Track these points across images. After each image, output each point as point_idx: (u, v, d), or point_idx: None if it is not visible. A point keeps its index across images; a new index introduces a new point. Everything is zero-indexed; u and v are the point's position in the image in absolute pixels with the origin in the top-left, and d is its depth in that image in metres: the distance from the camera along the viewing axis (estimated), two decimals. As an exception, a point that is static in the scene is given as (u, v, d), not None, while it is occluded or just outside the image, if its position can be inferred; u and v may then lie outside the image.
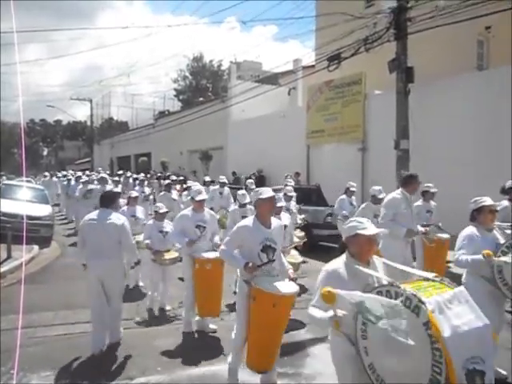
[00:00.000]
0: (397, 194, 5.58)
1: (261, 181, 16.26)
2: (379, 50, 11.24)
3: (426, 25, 10.23)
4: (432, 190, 7.45)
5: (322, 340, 4.95)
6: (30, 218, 10.28)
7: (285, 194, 7.93)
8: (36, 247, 10.10)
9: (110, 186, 11.61)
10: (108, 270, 4.62)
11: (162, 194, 10.59)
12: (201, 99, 30.03)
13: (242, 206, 7.07)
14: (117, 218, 4.77)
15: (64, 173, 23.71)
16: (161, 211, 6.32)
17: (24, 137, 57.98)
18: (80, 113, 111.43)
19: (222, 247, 3.83)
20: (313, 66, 16.89)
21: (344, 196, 9.29)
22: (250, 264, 3.61)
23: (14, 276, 7.80)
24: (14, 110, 70.80)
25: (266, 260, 3.68)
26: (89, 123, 40.65)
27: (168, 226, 6.21)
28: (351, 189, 9.36)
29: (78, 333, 5.18)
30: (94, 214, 4.80)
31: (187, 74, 44.17)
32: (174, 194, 10.42)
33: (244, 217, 6.39)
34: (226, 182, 11.08)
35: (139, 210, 7.46)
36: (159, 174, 18.85)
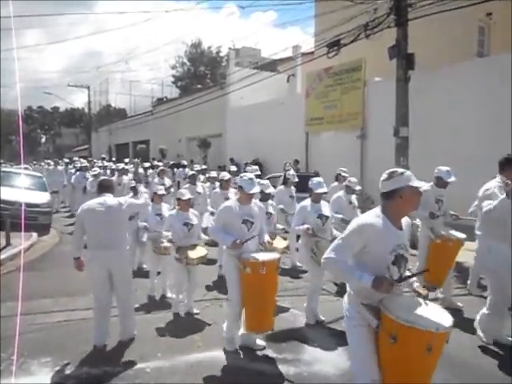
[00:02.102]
0: (497, 181, 4.57)
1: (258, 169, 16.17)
2: (379, 37, 11.12)
3: (427, 10, 10.10)
4: None
5: (321, 326, 4.99)
6: (28, 205, 10.26)
7: (347, 187, 6.94)
8: (35, 234, 10.11)
9: (127, 177, 10.96)
10: (115, 261, 4.43)
11: (186, 186, 9.23)
12: (199, 86, 29.86)
13: (265, 198, 6.07)
14: (119, 201, 4.57)
15: (66, 160, 21.74)
16: (184, 198, 5.48)
17: (22, 124, 57.72)
18: (78, 100, 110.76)
19: (331, 255, 2.63)
20: (312, 53, 16.75)
21: (341, 193, 7.95)
22: (382, 281, 2.49)
23: (13, 263, 7.81)
24: (12, 96, 70.21)
25: (398, 274, 2.61)
26: (86, 110, 40.42)
27: (194, 217, 5.51)
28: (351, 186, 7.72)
29: (77, 319, 5.20)
30: (95, 202, 4.51)
31: (185, 60, 43.82)
32: (200, 187, 9.33)
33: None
34: (259, 173, 9.76)
35: (165, 208, 6.52)
36: (172, 163, 17.34)
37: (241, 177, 4.47)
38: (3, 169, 15.70)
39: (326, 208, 5.31)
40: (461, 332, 4.70)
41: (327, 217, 5.21)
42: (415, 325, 2.29)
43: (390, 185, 2.65)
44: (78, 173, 13.89)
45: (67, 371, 3.96)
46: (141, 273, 7.13)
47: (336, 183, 8.53)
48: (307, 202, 5.25)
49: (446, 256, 5.57)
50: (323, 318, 5.16)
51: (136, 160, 16.65)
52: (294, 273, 7.53)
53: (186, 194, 5.56)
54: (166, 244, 5.53)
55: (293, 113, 17.50)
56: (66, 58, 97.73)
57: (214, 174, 10.36)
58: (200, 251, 5.24)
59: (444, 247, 5.50)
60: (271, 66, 23.59)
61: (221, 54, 42.95)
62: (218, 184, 9.29)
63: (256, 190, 4.36)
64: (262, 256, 4.14)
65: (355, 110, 15.01)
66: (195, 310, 5.50)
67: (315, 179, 5.39)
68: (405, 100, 11.07)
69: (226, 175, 7.93)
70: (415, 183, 2.62)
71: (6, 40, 14.99)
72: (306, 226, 4.99)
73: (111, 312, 4.62)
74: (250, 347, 4.40)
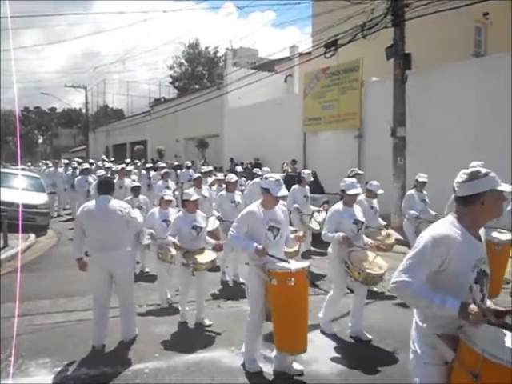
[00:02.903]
0: None
1: (258, 169, 16.20)
2: (376, 37, 11.16)
3: (424, 11, 10.15)
4: None
5: (318, 326, 4.99)
6: (25, 206, 10.24)
7: (368, 191, 6.45)
8: (32, 235, 10.10)
9: (129, 180, 10.34)
10: (116, 263, 4.41)
11: (191, 189, 8.45)
12: (197, 86, 29.88)
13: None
14: (120, 204, 4.55)
15: (66, 161, 19.67)
16: (192, 199, 5.08)
17: (18, 125, 57.67)
18: (75, 100, 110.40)
19: (403, 278, 2.11)
20: (309, 53, 16.77)
21: (413, 191, 7.28)
22: (473, 308, 1.98)
23: (10, 264, 7.80)
24: (9, 97, 70.04)
25: (480, 295, 2.19)
26: (84, 111, 40.40)
27: (202, 220, 5.16)
28: (420, 179, 7.22)
29: (75, 320, 5.20)
30: (93, 203, 4.47)
31: (183, 60, 43.87)
32: (205, 190, 8.64)
33: None
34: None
35: (172, 214, 6.00)
36: (176, 164, 16.61)
37: (266, 178, 3.99)
38: (1, 170, 15.64)
39: (359, 212, 4.81)
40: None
41: (362, 222, 4.74)
42: (506, 362, 1.79)
43: (471, 188, 2.19)
44: (80, 176, 13.03)
45: (66, 372, 3.95)
46: (143, 277, 7.06)
47: None
48: (339, 206, 4.75)
49: (495, 261, 5.08)
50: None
51: (139, 162, 16.30)
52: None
53: (193, 194, 5.19)
54: (173, 252, 5.25)
55: (290, 113, 17.52)
56: (64, 58, 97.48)
57: (221, 176, 9.63)
58: (208, 255, 4.92)
59: (490, 253, 5.07)
60: (269, 66, 23.63)
61: (218, 55, 43.04)
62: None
63: (284, 192, 3.90)
64: (289, 265, 3.72)
65: (353, 110, 15.03)
66: (207, 322, 5.09)
67: (348, 179, 4.87)
68: (402, 100, 11.13)
69: (232, 177, 7.47)
70: (502, 187, 2.18)
71: (3, 40, 14.95)
72: (341, 235, 4.49)
73: (110, 313, 4.62)
74: (285, 371, 3.90)
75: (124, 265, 4.53)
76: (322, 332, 4.83)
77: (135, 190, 7.54)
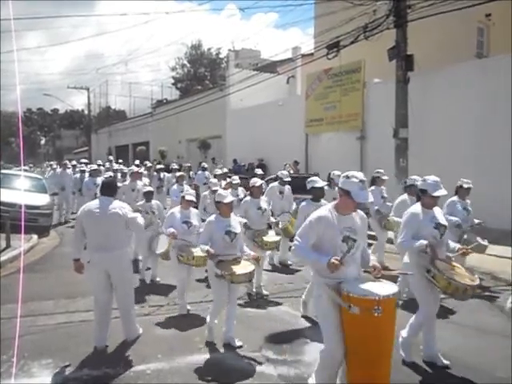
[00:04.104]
0: None
1: (262, 170, 16.25)
2: (379, 38, 11.15)
3: (426, 12, 10.14)
4: None
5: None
6: (28, 207, 10.26)
7: (412, 187, 5.96)
8: (35, 236, 10.12)
9: (141, 183, 9.68)
10: (115, 263, 4.40)
11: (205, 193, 8.34)
12: (199, 88, 29.90)
13: (316, 199, 5.34)
14: (120, 205, 4.53)
15: (74, 163, 17.87)
16: (226, 201, 4.47)
17: (21, 126, 57.84)
18: (78, 101, 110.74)
19: None
20: (312, 54, 16.77)
21: (455, 198, 6.39)
22: None
23: (13, 265, 7.81)
24: (12, 99, 70.28)
25: None
26: (86, 112, 40.48)
27: (238, 225, 4.59)
28: (465, 185, 6.36)
29: (77, 321, 5.19)
30: (94, 204, 4.49)
31: (185, 62, 43.96)
32: None
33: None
34: (289, 179, 8.56)
35: (194, 215, 5.65)
36: (188, 165, 16.14)
37: (347, 177, 3.20)
38: (3, 171, 15.64)
39: (441, 215, 4.09)
40: (458, 332, 4.72)
41: (445, 226, 4.02)
42: None
43: None
44: (87, 178, 12.19)
45: (68, 373, 3.96)
46: (154, 286, 6.84)
47: (373, 187, 7.63)
48: (417, 209, 4.03)
49: None
50: (446, 362, 3.97)
51: (149, 164, 15.90)
52: (289, 270, 7.68)
53: (227, 195, 4.57)
54: (196, 254, 4.84)
55: (292, 114, 17.52)
56: (67, 59, 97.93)
57: (236, 179, 8.85)
58: (246, 266, 4.31)
59: None
60: (271, 67, 23.62)
61: (220, 56, 43.09)
62: (240, 190, 8.48)
63: (371, 198, 3.27)
64: (375, 288, 2.99)
65: (355, 111, 15.03)
66: (238, 343, 4.50)
67: (431, 178, 4.01)
68: (404, 101, 11.11)
69: (257, 181, 6.54)
70: None
71: (6, 42, 15.02)
72: (425, 243, 3.79)
73: (112, 313, 4.62)
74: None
75: (122, 265, 4.51)
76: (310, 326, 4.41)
77: (148, 195, 7.22)
